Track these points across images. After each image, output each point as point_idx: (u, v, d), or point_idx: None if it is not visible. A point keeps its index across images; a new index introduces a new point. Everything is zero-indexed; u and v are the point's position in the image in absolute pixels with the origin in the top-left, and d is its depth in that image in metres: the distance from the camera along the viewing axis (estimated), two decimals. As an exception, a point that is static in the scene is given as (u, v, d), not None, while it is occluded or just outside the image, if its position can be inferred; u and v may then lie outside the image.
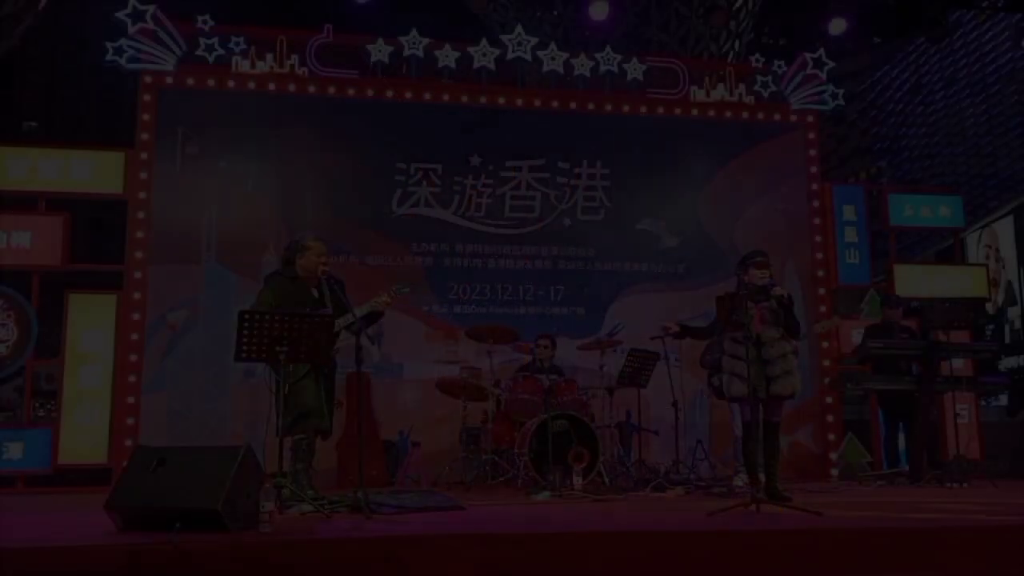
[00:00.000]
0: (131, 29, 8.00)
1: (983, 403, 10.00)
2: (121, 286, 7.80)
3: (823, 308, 8.85)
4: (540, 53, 8.85)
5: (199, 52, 8.15)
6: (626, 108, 9.04)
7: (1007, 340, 13.95)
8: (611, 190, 8.86)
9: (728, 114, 9.14)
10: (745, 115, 9.18)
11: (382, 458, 7.61)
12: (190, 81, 8.17)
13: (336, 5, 9.59)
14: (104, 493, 4.38)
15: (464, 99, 8.72)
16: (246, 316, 4.88)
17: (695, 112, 9.10)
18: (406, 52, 8.53)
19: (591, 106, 8.98)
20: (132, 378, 7.63)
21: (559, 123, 8.88)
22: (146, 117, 8.02)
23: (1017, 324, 13.94)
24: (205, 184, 8.08)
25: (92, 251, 8.43)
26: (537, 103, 8.86)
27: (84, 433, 7.51)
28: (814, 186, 9.17)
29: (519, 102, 8.83)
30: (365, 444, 5.44)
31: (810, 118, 9.32)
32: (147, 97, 8.04)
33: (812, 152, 9.26)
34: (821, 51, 9.35)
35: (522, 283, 8.57)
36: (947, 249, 11.42)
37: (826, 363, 8.80)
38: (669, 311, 8.36)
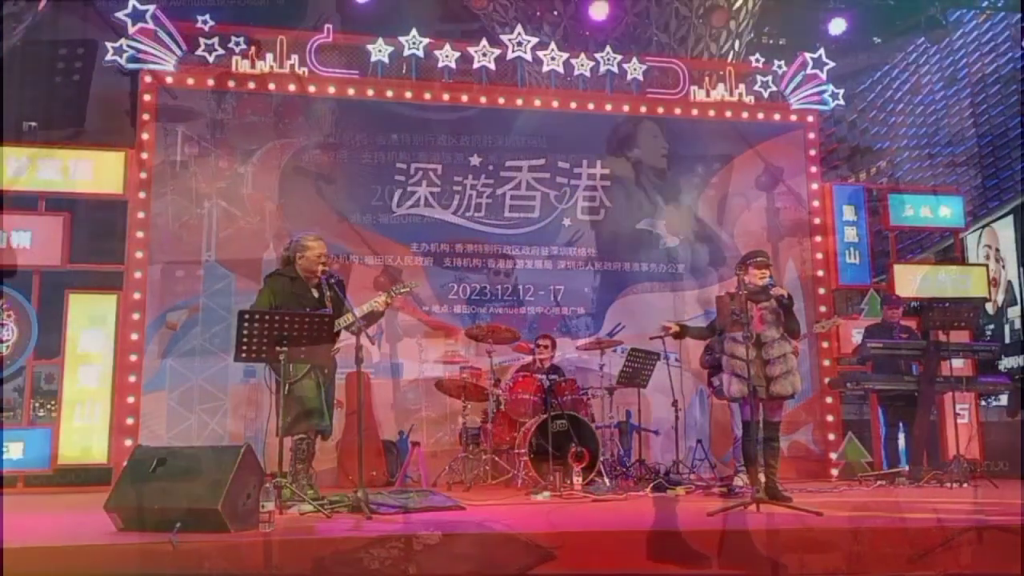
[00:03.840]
0: (131, 29, 8.00)
1: (983, 403, 9.99)
2: (121, 286, 7.80)
3: (823, 308, 8.85)
4: (540, 53, 8.85)
5: (199, 52, 8.16)
6: (626, 108, 9.04)
7: (1007, 340, 13.93)
8: (611, 190, 8.86)
9: (728, 114, 9.14)
10: (745, 115, 9.18)
11: (382, 458, 7.61)
12: (190, 81, 8.17)
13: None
14: (104, 493, 4.38)
15: (464, 99, 8.72)
16: (246, 316, 4.88)
17: (695, 112, 9.10)
18: (406, 52, 8.53)
19: (591, 106, 8.98)
20: (132, 378, 7.62)
21: (559, 123, 8.87)
22: (146, 117, 8.01)
23: (1017, 324, 13.92)
24: (205, 184, 8.08)
25: (92, 251, 8.40)
26: (537, 103, 8.86)
27: (84, 433, 7.51)
28: (814, 186, 9.17)
29: (519, 102, 8.83)
30: (365, 444, 5.42)
31: (810, 118, 9.32)
32: (147, 97, 8.04)
33: (812, 152, 9.27)
34: (821, 51, 9.36)
35: (522, 283, 8.57)
36: (947, 249, 11.41)
37: (826, 363, 8.80)
38: (669, 311, 8.37)
